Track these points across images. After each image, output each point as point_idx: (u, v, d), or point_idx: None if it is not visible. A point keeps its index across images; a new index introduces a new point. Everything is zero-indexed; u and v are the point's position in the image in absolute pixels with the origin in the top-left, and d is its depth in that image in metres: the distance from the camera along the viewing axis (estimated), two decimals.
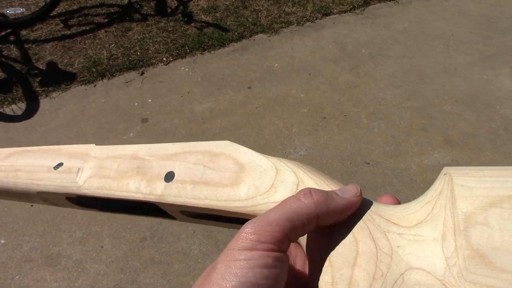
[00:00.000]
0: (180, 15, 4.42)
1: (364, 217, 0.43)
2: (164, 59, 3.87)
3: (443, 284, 0.36)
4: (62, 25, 4.36)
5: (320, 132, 3.11)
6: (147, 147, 0.56)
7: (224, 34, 4.10)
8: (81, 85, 3.67)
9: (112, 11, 4.52)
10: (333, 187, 0.46)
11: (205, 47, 3.97)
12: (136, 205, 0.58)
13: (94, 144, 0.61)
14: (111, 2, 4.64)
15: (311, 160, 2.91)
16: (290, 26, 4.21)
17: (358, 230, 0.42)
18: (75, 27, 4.33)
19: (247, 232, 0.40)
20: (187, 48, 3.96)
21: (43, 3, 4.47)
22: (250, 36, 4.10)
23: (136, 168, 0.54)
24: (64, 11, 4.52)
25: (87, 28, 4.32)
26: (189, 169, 0.51)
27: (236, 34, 4.10)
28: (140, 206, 0.57)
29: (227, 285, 0.37)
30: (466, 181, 0.38)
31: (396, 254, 0.39)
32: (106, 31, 4.27)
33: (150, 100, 3.46)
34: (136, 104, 3.44)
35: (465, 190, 0.38)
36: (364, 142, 3.02)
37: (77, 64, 3.87)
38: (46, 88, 3.63)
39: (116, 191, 0.54)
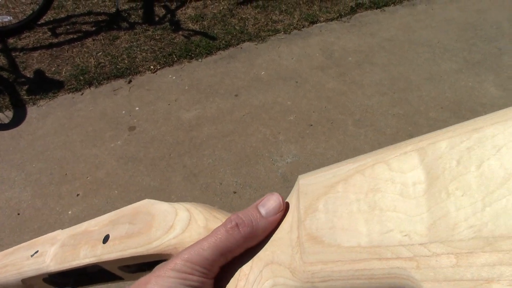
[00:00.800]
0: (167, 23, 4.43)
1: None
2: (152, 67, 3.88)
3: (290, 272, 0.43)
4: (49, 33, 4.36)
5: (307, 140, 3.12)
6: (95, 220, 0.65)
7: (211, 42, 4.12)
8: (68, 93, 3.67)
9: (100, 19, 4.52)
10: (220, 217, 0.55)
11: (193, 55, 3.98)
12: (92, 273, 0.68)
13: (60, 229, 0.72)
14: (99, 10, 4.65)
15: (297, 168, 2.92)
16: (277, 34, 4.23)
17: None
18: (62, 36, 4.33)
19: (181, 257, 0.44)
20: (174, 56, 3.97)
21: (31, 12, 4.47)
22: (237, 44, 4.11)
23: (85, 238, 0.63)
24: (51, 19, 4.52)
25: (75, 36, 4.32)
26: (119, 229, 0.59)
27: (223, 42, 4.12)
28: (95, 273, 0.67)
29: None
30: (308, 179, 0.45)
31: (257, 256, 0.47)
32: (93, 40, 4.27)
33: (137, 108, 3.47)
34: (123, 112, 3.45)
35: (306, 187, 0.45)
36: (351, 149, 3.04)
37: (65, 72, 3.87)
38: (34, 96, 3.63)
39: (72, 261, 0.63)
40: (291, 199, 0.48)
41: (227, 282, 0.48)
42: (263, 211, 0.47)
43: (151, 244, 0.54)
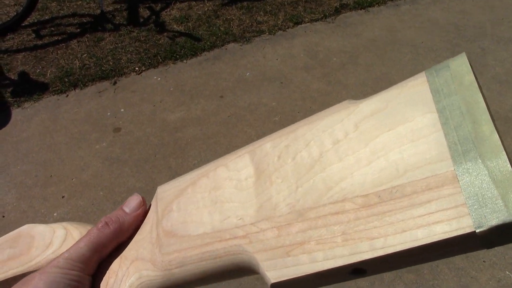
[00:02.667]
0: (152, 24, 4.43)
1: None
2: (137, 68, 3.88)
3: (152, 264, 0.50)
4: (34, 35, 4.35)
5: None
6: None
7: (196, 43, 4.12)
8: (53, 95, 3.66)
9: (85, 21, 4.52)
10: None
11: (177, 56, 3.99)
12: None
13: None
14: (83, 12, 4.64)
15: None
16: (262, 35, 4.24)
17: None
18: (47, 37, 4.32)
19: (62, 256, 0.50)
20: (159, 57, 3.98)
21: (14, 13, 4.46)
22: (222, 45, 4.12)
23: None
24: (36, 21, 4.51)
25: (59, 38, 4.31)
26: (1, 254, 0.60)
27: (208, 43, 4.12)
28: None
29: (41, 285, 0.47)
30: (164, 188, 0.55)
31: (123, 255, 0.54)
32: (78, 41, 4.26)
33: (122, 110, 3.47)
34: (108, 113, 3.45)
35: (162, 193, 0.54)
36: None
37: (49, 74, 3.87)
38: (18, 98, 3.62)
39: None
40: (152, 207, 0.56)
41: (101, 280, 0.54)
42: (127, 209, 0.55)
43: (31, 262, 0.58)
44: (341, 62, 3.85)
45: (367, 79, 3.64)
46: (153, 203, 0.55)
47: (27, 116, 3.48)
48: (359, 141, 0.42)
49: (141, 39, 4.24)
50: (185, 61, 3.95)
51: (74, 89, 3.72)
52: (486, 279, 2.32)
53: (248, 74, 3.76)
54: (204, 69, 3.85)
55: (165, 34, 4.29)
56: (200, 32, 4.28)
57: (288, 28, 4.32)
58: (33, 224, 0.62)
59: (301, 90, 3.56)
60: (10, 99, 3.62)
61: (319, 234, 0.41)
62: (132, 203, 0.56)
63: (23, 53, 4.13)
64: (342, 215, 0.40)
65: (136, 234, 0.55)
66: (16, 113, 3.51)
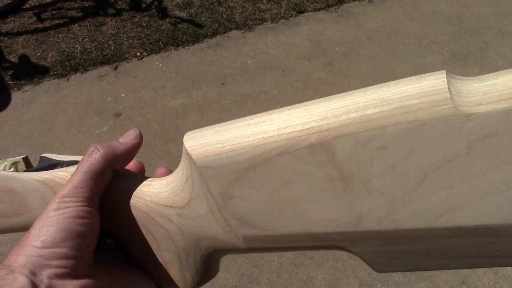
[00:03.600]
0: (154, 10, 4.41)
1: (145, 209, 0.49)
2: (138, 54, 3.86)
3: (230, 243, 0.47)
4: (35, 18, 4.32)
5: None
6: None
7: (198, 30, 4.11)
8: (54, 79, 3.65)
9: (86, 5, 4.49)
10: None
11: (179, 42, 3.97)
12: None
13: None
14: None
15: None
16: (264, 23, 4.22)
17: (146, 223, 0.49)
18: (48, 21, 4.30)
19: (59, 197, 0.45)
20: (161, 43, 3.96)
21: None
22: (225, 33, 4.10)
23: None
24: (37, 4, 4.49)
25: (61, 22, 4.29)
26: None
27: (210, 30, 4.11)
28: None
29: (44, 234, 0.42)
30: (207, 161, 0.45)
31: (185, 231, 0.48)
32: (80, 25, 4.24)
33: (123, 95, 3.46)
34: (109, 98, 3.43)
35: (210, 171, 0.44)
36: None
37: (50, 58, 3.85)
38: (18, 82, 3.60)
39: None
40: (186, 172, 0.48)
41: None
42: (121, 139, 0.52)
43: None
44: (344, 52, 3.83)
45: (370, 70, 3.63)
46: (192, 169, 0.47)
47: (27, 99, 3.47)
48: (474, 167, 0.36)
49: (143, 24, 4.22)
50: (187, 47, 3.93)
51: (75, 73, 3.70)
52: (483, 271, 2.33)
53: (250, 62, 3.74)
54: (206, 55, 3.83)
55: (167, 20, 4.27)
56: (202, 19, 4.26)
57: (291, 16, 4.31)
58: (4, 173, 0.54)
59: (303, 79, 3.55)
60: (10, 82, 3.61)
61: None
62: (127, 134, 0.54)
63: (24, 36, 4.11)
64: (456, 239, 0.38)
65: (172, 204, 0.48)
66: (16, 96, 3.49)
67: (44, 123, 3.26)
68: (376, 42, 3.95)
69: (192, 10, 4.40)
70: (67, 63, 3.76)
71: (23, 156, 0.56)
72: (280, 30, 4.13)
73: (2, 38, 4.07)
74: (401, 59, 3.74)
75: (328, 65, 3.69)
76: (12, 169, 0.54)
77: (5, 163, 0.54)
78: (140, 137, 0.54)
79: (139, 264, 0.51)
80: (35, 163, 0.57)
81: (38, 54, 3.91)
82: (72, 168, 0.50)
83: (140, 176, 0.54)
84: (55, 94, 3.50)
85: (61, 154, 0.56)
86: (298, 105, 0.45)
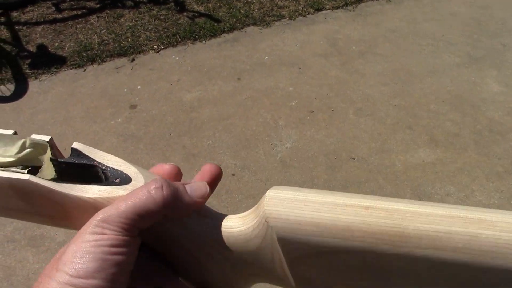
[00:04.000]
0: (172, 3, 4.42)
1: (200, 243, 0.47)
2: (155, 46, 3.87)
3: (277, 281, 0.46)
4: (53, 8, 4.35)
5: (307, 126, 3.13)
6: None
7: (216, 24, 4.11)
8: (71, 69, 3.67)
9: None
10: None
11: (197, 36, 3.98)
12: None
13: None
14: None
15: (297, 153, 2.93)
16: (282, 20, 4.22)
17: (199, 253, 0.48)
18: (66, 11, 4.32)
19: (98, 220, 0.42)
20: (178, 37, 3.97)
21: None
22: (242, 28, 4.11)
23: None
24: None
25: (79, 12, 4.31)
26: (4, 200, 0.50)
27: (227, 25, 4.11)
28: None
29: (78, 261, 0.40)
30: (288, 236, 0.42)
31: (239, 267, 0.47)
32: (98, 17, 4.26)
33: (139, 87, 3.47)
34: (125, 90, 3.44)
35: (287, 243, 0.42)
36: (350, 138, 3.05)
37: (68, 48, 3.87)
38: (36, 71, 3.62)
39: None
40: (260, 231, 0.45)
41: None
42: (188, 189, 0.47)
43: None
44: (360, 51, 3.82)
45: (386, 70, 3.62)
46: (267, 233, 0.44)
47: (43, 88, 3.48)
48: None
49: (161, 17, 4.23)
50: (204, 41, 3.94)
51: (92, 64, 3.72)
52: None
53: (266, 58, 3.74)
54: (222, 50, 3.84)
55: (185, 13, 4.28)
56: (220, 14, 4.26)
57: (308, 14, 4.30)
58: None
59: (319, 76, 3.55)
60: (27, 71, 3.63)
61: None
62: (196, 187, 0.48)
63: (42, 26, 4.13)
64: None
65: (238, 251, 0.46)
66: (33, 85, 3.51)
67: (60, 112, 3.27)
68: (393, 42, 3.94)
69: (210, 5, 4.40)
70: (84, 54, 3.78)
71: (47, 139, 0.49)
72: (297, 27, 4.13)
73: (21, 27, 4.10)
74: (418, 60, 3.73)
75: (344, 64, 3.68)
76: (30, 149, 0.49)
77: (25, 140, 0.48)
78: (208, 196, 0.48)
79: (181, 277, 0.50)
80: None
81: (56, 44, 3.93)
82: (122, 191, 0.46)
83: (200, 210, 0.50)
84: (71, 84, 3.51)
85: (77, 141, 0.52)
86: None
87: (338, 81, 3.51)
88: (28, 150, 0.49)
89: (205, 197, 0.47)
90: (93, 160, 0.49)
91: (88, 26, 4.14)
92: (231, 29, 4.08)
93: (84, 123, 3.19)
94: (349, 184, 2.74)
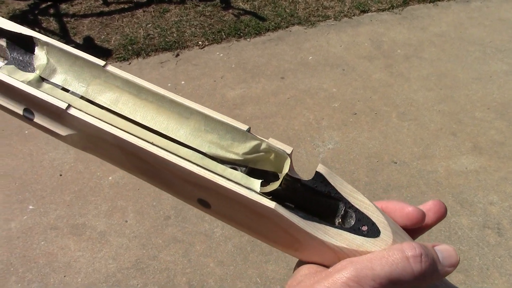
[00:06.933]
0: (218, 0, 4.44)
1: None
2: (200, 43, 3.90)
3: None
4: (101, 1, 4.41)
5: (350, 128, 3.11)
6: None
7: (261, 23, 4.12)
8: (116, 61, 3.71)
9: None
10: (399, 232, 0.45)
11: (241, 34, 3.99)
12: None
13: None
14: None
15: (338, 155, 2.92)
16: (327, 20, 4.20)
17: None
18: (113, 5, 4.38)
19: (350, 275, 0.39)
20: (223, 33, 3.98)
21: None
22: (287, 27, 4.10)
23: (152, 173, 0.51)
24: None
25: (126, 6, 4.36)
26: (230, 209, 0.46)
27: (272, 24, 4.11)
28: None
29: None
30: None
31: None
32: (144, 11, 4.30)
33: (183, 82, 3.49)
34: (169, 85, 3.47)
35: None
36: (393, 141, 3.02)
37: (114, 41, 3.92)
38: None
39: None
40: None
41: None
42: (440, 256, 0.42)
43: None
44: (405, 55, 3.79)
45: (431, 74, 3.57)
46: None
47: None
48: None
49: (206, 14, 4.25)
50: (248, 39, 3.95)
51: (137, 58, 3.76)
52: None
53: (310, 58, 3.73)
54: (267, 49, 3.84)
55: (230, 11, 4.29)
56: (265, 12, 4.27)
57: (354, 15, 4.28)
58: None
59: (363, 79, 3.53)
60: None
61: None
62: (447, 253, 0.43)
63: (90, 19, 4.20)
64: None
65: None
66: None
67: None
68: (439, 47, 3.89)
69: (256, 3, 4.41)
70: (130, 47, 3.82)
71: (289, 151, 0.45)
72: (342, 28, 4.11)
73: (69, 19, 4.16)
74: (464, 66, 3.67)
75: (389, 67, 3.65)
76: (262, 153, 0.46)
77: (260, 143, 0.46)
78: (457, 265, 0.43)
79: None
80: None
81: (102, 36, 3.98)
82: (371, 245, 0.42)
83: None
84: None
85: None
86: None
87: (382, 84, 3.48)
88: (260, 154, 0.45)
89: (455, 267, 0.43)
90: (338, 192, 0.44)
91: (134, 20, 4.19)
92: (276, 27, 4.08)
93: None
94: (390, 188, 2.72)
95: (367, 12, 4.32)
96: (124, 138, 0.44)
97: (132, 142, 0.44)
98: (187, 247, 2.43)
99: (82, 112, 0.45)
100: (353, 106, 3.28)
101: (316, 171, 0.44)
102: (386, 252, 0.40)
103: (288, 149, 0.45)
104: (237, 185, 0.42)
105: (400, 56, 3.78)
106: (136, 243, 2.47)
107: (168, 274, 2.33)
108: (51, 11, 4.23)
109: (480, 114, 3.24)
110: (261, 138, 0.45)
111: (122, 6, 4.36)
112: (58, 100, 0.46)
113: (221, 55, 3.77)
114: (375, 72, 3.60)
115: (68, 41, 3.88)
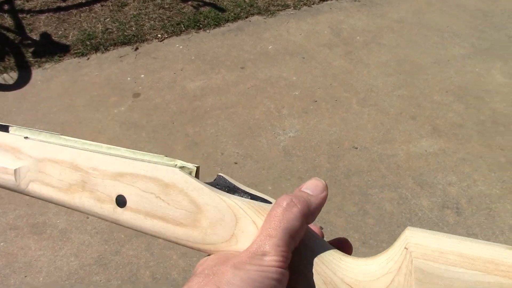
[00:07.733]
0: None
1: (327, 281, 0.45)
2: (159, 35, 3.87)
3: None
4: None
5: (310, 115, 3.12)
6: (86, 156, 0.54)
7: (220, 14, 4.10)
8: (74, 57, 3.67)
9: None
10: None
11: (201, 25, 3.97)
12: None
13: (22, 137, 0.56)
14: None
15: (300, 142, 2.93)
16: (286, 9, 4.20)
17: None
18: (71, 0, 4.32)
19: (254, 250, 0.42)
20: (182, 26, 3.96)
21: None
22: (246, 17, 4.09)
23: (81, 181, 0.52)
24: None
25: (83, 1, 4.30)
26: (140, 198, 0.49)
27: (232, 14, 4.10)
28: None
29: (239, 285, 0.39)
30: (426, 265, 0.41)
31: None
32: (102, 5, 4.25)
33: (142, 76, 3.47)
34: (128, 78, 3.44)
35: (425, 276, 0.40)
36: (353, 127, 3.04)
37: (71, 37, 3.86)
38: (39, 59, 3.62)
39: (67, 203, 0.54)
40: (393, 265, 0.43)
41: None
42: (308, 191, 0.47)
43: (204, 246, 0.48)
44: (365, 41, 3.81)
45: (390, 60, 3.60)
46: (403, 266, 0.42)
47: (47, 76, 3.48)
48: None
49: (165, 6, 4.22)
50: (208, 31, 3.93)
51: (96, 53, 3.71)
52: None
53: (270, 47, 3.73)
54: (226, 39, 3.83)
55: (190, 2, 4.26)
56: (224, 3, 4.25)
57: (313, 4, 4.28)
58: (189, 178, 0.48)
59: (323, 66, 3.54)
60: (31, 59, 3.63)
61: None
62: (313, 185, 0.47)
63: (46, 14, 4.13)
64: None
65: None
66: (36, 73, 3.51)
67: (63, 100, 3.27)
68: (398, 33, 3.92)
69: None
70: (88, 42, 3.78)
71: (196, 166, 0.50)
72: (302, 17, 4.11)
73: (24, 15, 4.09)
74: (422, 51, 3.71)
75: (348, 54, 3.67)
76: (179, 168, 0.50)
77: (175, 163, 0.50)
78: (327, 189, 0.48)
79: None
80: None
81: (60, 32, 3.93)
82: (259, 215, 0.46)
83: (327, 244, 0.48)
84: (75, 72, 3.51)
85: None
86: None
87: (342, 71, 3.50)
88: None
89: (325, 189, 0.47)
90: (233, 184, 0.50)
91: (92, 14, 4.14)
92: (236, 18, 4.07)
93: (87, 111, 3.19)
94: (351, 173, 2.74)
95: (327, 0, 4.33)
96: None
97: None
98: (150, 241, 2.41)
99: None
100: (314, 94, 3.28)
101: (218, 174, 0.51)
102: (268, 217, 0.44)
103: (195, 166, 0.51)
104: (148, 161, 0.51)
105: (360, 43, 3.80)
106: (98, 239, 2.44)
107: (131, 268, 2.32)
108: (6, 7, 4.15)
109: (438, 98, 3.27)
110: (175, 159, 0.51)
111: (79, 0, 4.31)
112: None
113: (181, 47, 3.75)
114: (335, 59, 3.61)
115: (25, 38, 3.82)
